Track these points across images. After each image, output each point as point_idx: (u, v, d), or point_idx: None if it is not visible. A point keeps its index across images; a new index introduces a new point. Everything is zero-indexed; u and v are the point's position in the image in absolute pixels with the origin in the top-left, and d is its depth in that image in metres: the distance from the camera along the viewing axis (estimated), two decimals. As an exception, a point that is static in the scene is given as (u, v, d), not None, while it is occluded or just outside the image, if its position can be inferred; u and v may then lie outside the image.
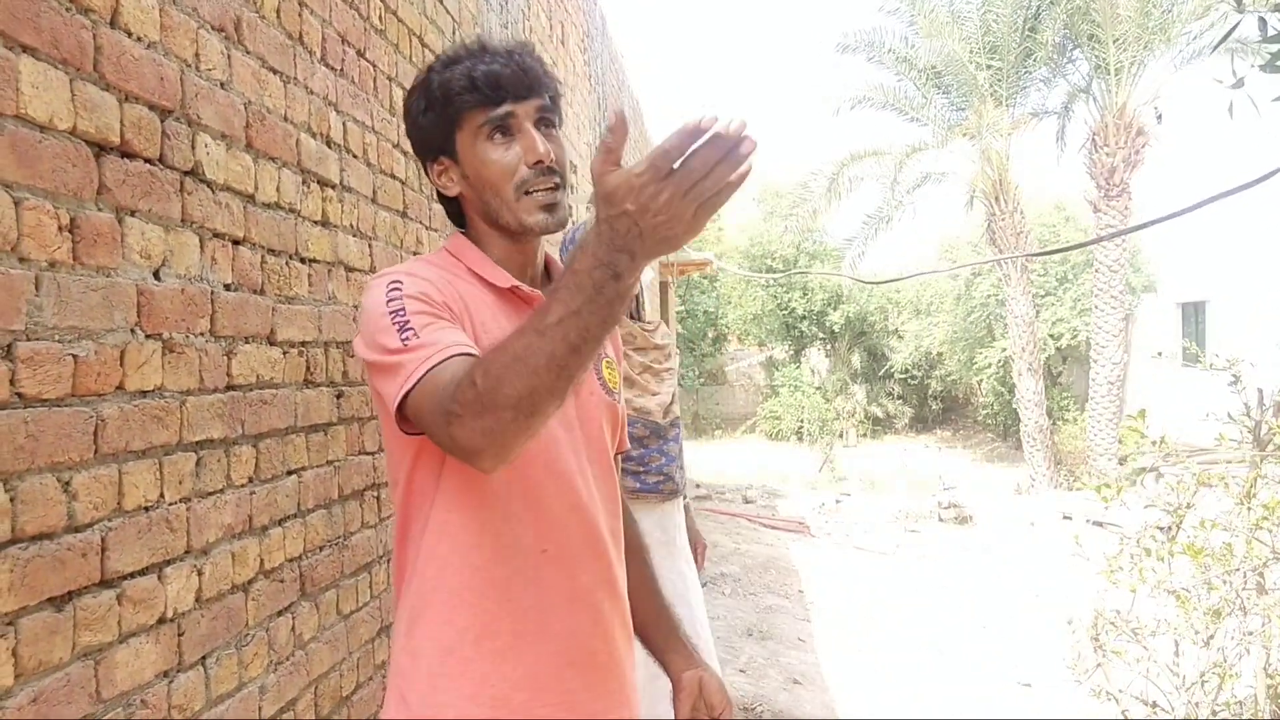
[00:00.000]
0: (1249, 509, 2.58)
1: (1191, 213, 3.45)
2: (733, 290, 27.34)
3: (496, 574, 1.41)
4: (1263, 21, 2.38)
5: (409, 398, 1.27)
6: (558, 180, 1.45)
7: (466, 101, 1.44)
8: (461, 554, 1.41)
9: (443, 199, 1.56)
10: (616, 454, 1.69)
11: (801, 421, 25.07)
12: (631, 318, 3.16)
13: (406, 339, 1.30)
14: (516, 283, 1.48)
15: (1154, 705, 3.12)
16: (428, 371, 1.26)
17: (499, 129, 1.44)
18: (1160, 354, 14.89)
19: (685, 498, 3.81)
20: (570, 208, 1.52)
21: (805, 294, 26.04)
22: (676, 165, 1.00)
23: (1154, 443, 2.80)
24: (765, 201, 26.93)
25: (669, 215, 1.02)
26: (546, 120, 1.47)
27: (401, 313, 1.33)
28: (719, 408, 28.34)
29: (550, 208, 1.45)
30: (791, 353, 27.69)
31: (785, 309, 26.51)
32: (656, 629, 1.73)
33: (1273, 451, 2.69)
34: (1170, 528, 2.90)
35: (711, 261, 15.71)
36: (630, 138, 1.12)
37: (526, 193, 1.44)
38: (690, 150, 1.01)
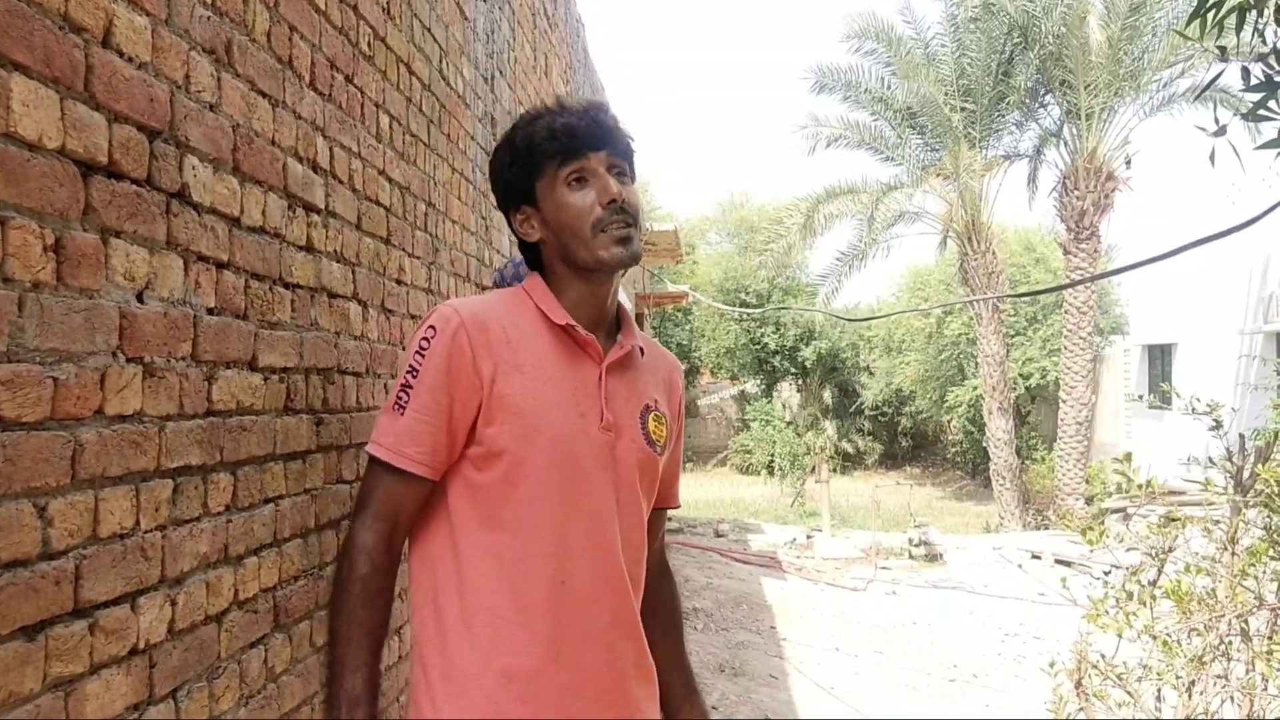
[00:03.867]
0: (1233, 554, 2.59)
1: (1169, 258, 3.50)
2: (706, 324, 27.42)
3: (512, 602, 1.47)
4: (1245, 70, 2.43)
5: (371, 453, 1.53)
6: (630, 219, 1.57)
7: (546, 151, 1.57)
8: (479, 581, 1.47)
9: (523, 246, 1.68)
10: (660, 508, 1.76)
11: (773, 456, 25.09)
12: None
13: (400, 400, 1.52)
14: (571, 321, 1.58)
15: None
16: (381, 461, 1.52)
17: (576, 175, 1.57)
18: (1140, 398, 15.10)
19: None
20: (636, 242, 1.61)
21: (778, 329, 26.16)
22: None
23: (1140, 487, 2.82)
24: (739, 235, 27.07)
25: None
26: (619, 169, 1.60)
27: (414, 372, 1.52)
28: (691, 440, 28.35)
29: (624, 241, 1.57)
30: (763, 387, 27.76)
31: (758, 344, 26.61)
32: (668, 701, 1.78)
33: (1255, 497, 2.71)
34: (1146, 568, 2.90)
35: (687, 294, 15.77)
36: None
37: (602, 230, 1.55)
38: None
